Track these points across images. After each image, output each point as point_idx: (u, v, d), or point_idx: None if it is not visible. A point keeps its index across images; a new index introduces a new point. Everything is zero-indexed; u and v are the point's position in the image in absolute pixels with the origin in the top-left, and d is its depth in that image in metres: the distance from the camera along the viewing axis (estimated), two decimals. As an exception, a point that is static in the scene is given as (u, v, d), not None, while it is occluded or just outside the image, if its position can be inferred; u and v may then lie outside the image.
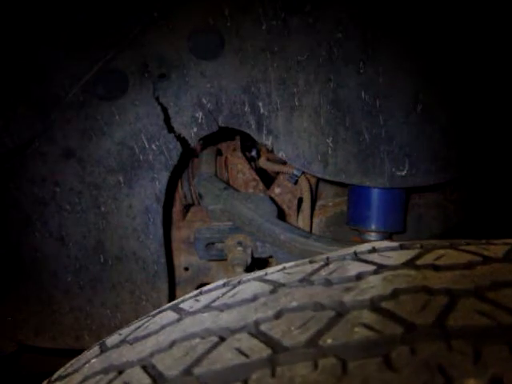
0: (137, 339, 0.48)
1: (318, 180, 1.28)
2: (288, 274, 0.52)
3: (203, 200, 1.12)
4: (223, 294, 0.51)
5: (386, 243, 0.56)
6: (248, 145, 1.36)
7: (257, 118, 1.03)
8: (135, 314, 1.12)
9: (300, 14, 0.97)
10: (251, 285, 0.51)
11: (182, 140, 1.05)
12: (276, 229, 1.07)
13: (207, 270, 1.28)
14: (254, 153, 1.37)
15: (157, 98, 1.01)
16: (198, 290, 0.57)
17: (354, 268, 0.49)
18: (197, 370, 0.39)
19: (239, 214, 1.08)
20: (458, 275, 0.45)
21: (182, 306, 0.53)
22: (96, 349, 0.52)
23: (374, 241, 1.19)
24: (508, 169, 1.17)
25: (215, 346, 0.41)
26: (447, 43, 0.99)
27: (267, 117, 1.03)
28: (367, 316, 0.40)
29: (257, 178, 1.24)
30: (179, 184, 1.23)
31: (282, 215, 1.22)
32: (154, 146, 1.04)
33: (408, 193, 1.24)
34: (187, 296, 0.57)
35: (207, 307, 0.49)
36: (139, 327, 0.52)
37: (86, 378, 0.46)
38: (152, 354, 0.44)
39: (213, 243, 1.16)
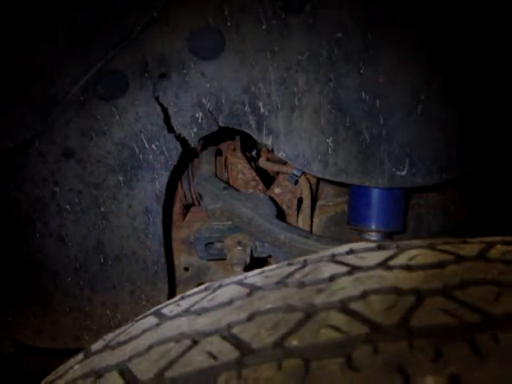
0: (118, 344, 0.49)
1: (318, 180, 1.28)
2: (265, 277, 0.52)
3: (203, 200, 1.12)
4: (203, 298, 0.52)
5: (364, 244, 0.56)
6: (248, 145, 1.36)
7: (257, 117, 1.03)
8: (135, 314, 1.12)
9: (300, 13, 0.97)
10: (230, 289, 0.52)
11: (181, 140, 1.05)
12: (276, 229, 1.07)
13: (207, 269, 1.28)
14: (254, 153, 1.37)
15: (157, 98, 1.01)
16: (181, 295, 0.57)
17: (329, 270, 0.50)
18: (168, 374, 0.40)
19: (239, 213, 1.08)
20: (429, 275, 0.45)
21: (163, 310, 0.54)
22: (81, 355, 0.53)
23: (375, 241, 1.19)
24: (508, 169, 1.17)
25: (188, 349, 0.42)
26: (447, 43, 0.99)
27: (267, 117, 1.03)
28: (335, 317, 0.41)
29: (257, 178, 1.24)
30: (179, 184, 1.23)
31: (281, 215, 1.22)
32: (153, 146, 1.04)
33: (408, 193, 1.24)
34: (170, 301, 0.57)
35: (186, 311, 0.50)
36: (122, 332, 0.53)
37: (67, 383, 0.47)
38: (130, 359, 0.45)
39: (212, 243, 1.16)
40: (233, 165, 1.24)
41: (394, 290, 0.43)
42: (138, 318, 0.56)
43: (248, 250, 1.12)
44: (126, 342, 0.49)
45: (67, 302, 1.12)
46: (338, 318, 0.40)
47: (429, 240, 0.55)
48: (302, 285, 0.48)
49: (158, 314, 0.53)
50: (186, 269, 1.27)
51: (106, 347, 0.50)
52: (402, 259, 0.49)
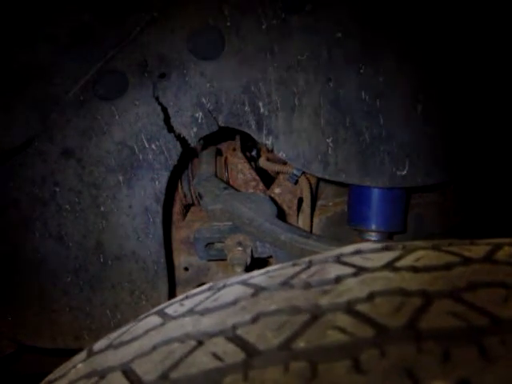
0: (122, 344, 0.49)
1: (319, 180, 1.28)
2: (270, 277, 0.52)
3: (203, 200, 1.12)
4: (207, 298, 0.52)
5: (370, 245, 0.56)
6: (248, 145, 1.36)
7: (257, 117, 1.03)
8: (135, 314, 1.12)
9: (300, 13, 0.97)
10: (234, 289, 0.52)
11: (181, 140, 1.05)
12: (276, 229, 1.07)
13: (207, 270, 1.28)
14: (254, 153, 1.37)
15: (157, 98, 1.01)
16: (185, 294, 0.57)
17: (334, 271, 0.49)
18: (173, 375, 0.40)
19: (239, 214, 1.08)
20: (436, 276, 0.45)
21: (166, 310, 0.53)
22: (83, 353, 0.52)
23: (375, 241, 1.19)
24: (508, 169, 1.17)
25: (193, 350, 0.42)
26: (448, 43, 0.99)
27: (267, 116, 1.03)
28: (341, 319, 0.40)
29: (257, 177, 1.24)
30: (179, 184, 1.23)
31: (282, 215, 1.22)
32: (153, 146, 1.04)
33: (408, 193, 1.24)
34: (173, 300, 0.57)
35: (190, 311, 0.50)
36: (125, 332, 0.52)
37: (70, 383, 0.47)
38: (133, 359, 0.44)
39: (212, 243, 1.16)
40: (233, 165, 1.24)
41: (400, 292, 0.43)
42: (141, 318, 0.55)
43: (248, 251, 1.12)
44: (129, 342, 0.48)
45: (67, 302, 1.12)
46: (344, 320, 0.40)
47: (435, 241, 0.55)
48: (307, 286, 0.47)
49: (161, 313, 0.53)
50: (186, 269, 1.27)
51: (109, 347, 0.50)
52: (408, 260, 0.49)
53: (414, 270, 0.47)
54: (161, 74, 1.00)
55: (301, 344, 0.38)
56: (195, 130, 1.04)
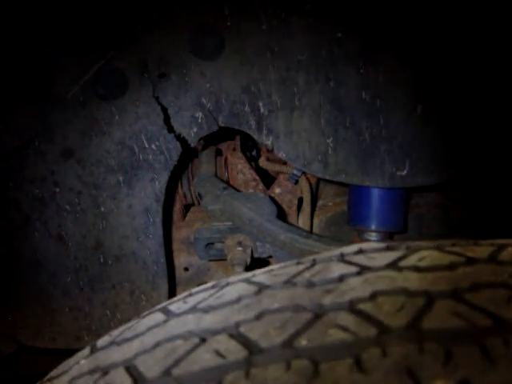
0: (124, 340, 0.49)
1: (319, 180, 1.28)
2: (274, 275, 0.52)
3: (203, 200, 1.12)
4: (210, 296, 0.52)
5: (373, 244, 0.56)
6: (248, 145, 1.36)
7: (257, 117, 1.03)
8: (135, 314, 1.12)
9: (300, 13, 0.97)
10: (237, 286, 0.52)
11: (181, 140, 1.04)
12: (276, 229, 1.07)
13: (207, 270, 1.28)
14: (254, 153, 1.37)
15: (157, 98, 1.01)
16: (188, 292, 0.57)
17: (338, 269, 0.49)
18: (175, 371, 0.40)
19: (239, 214, 1.08)
20: (439, 276, 0.45)
21: (170, 307, 0.53)
22: (87, 350, 0.52)
23: (375, 241, 1.19)
24: (508, 169, 1.17)
25: (195, 347, 0.42)
26: (448, 43, 0.99)
27: (267, 116, 1.03)
28: (343, 318, 0.40)
29: (257, 178, 1.24)
30: (179, 184, 1.23)
31: (282, 215, 1.22)
32: (153, 146, 1.04)
33: (408, 193, 1.24)
34: (177, 298, 0.57)
35: (193, 309, 0.50)
36: (128, 328, 0.52)
37: (73, 379, 0.47)
38: (136, 356, 0.44)
39: (212, 243, 1.16)
40: (233, 165, 1.24)
41: (403, 292, 0.43)
42: (144, 314, 0.55)
43: (248, 251, 1.12)
44: (132, 339, 0.48)
45: (67, 302, 1.12)
46: (346, 319, 0.40)
47: (438, 241, 0.54)
48: (310, 284, 0.47)
49: (164, 310, 0.53)
50: (186, 269, 1.27)
51: (112, 343, 0.50)
52: (412, 260, 0.49)
53: (418, 269, 0.47)
54: (161, 74, 1.00)
55: (303, 342, 0.38)
56: (195, 130, 1.04)
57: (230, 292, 0.51)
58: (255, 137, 1.05)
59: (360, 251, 0.54)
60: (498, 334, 0.36)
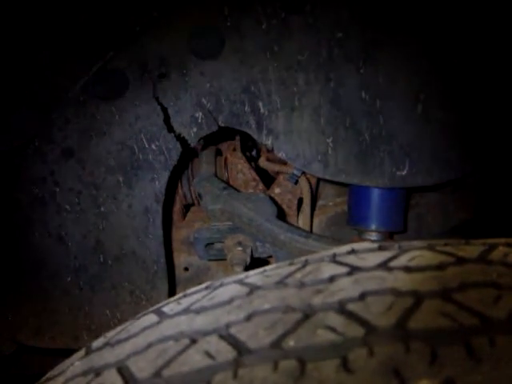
0: (118, 342, 0.49)
1: (319, 180, 1.28)
2: (266, 276, 0.52)
3: (203, 200, 1.12)
4: (203, 297, 0.52)
5: (366, 244, 0.56)
6: (248, 145, 1.36)
7: (257, 117, 1.03)
8: (135, 314, 1.12)
9: (300, 13, 0.97)
10: (230, 287, 0.52)
11: (181, 140, 1.04)
12: (276, 229, 1.07)
13: (207, 270, 1.28)
14: (254, 153, 1.37)
15: (157, 98, 1.01)
16: (183, 293, 0.57)
17: (329, 270, 0.49)
18: (166, 372, 0.40)
19: (239, 214, 1.08)
20: (429, 276, 0.45)
21: (163, 308, 0.54)
22: (82, 351, 0.53)
23: (375, 241, 1.19)
24: (508, 168, 1.17)
25: (186, 348, 0.42)
26: (448, 42, 0.99)
27: (267, 116, 1.03)
28: (332, 318, 0.41)
29: (257, 178, 1.24)
30: (179, 184, 1.23)
31: (282, 215, 1.22)
32: (153, 146, 1.04)
33: (408, 192, 1.24)
34: (171, 299, 0.57)
35: (186, 310, 0.50)
36: (122, 330, 0.52)
37: (67, 380, 0.47)
38: (129, 357, 0.45)
39: (212, 243, 1.16)
40: (233, 165, 1.24)
41: (392, 292, 0.43)
42: (138, 316, 0.56)
43: (248, 251, 1.12)
44: (125, 340, 0.49)
45: (67, 302, 1.12)
46: (335, 319, 0.40)
47: (430, 241, 0.54)
48: (301, 285, 0.47)
49: (158, 312, 0.53)
50: (186, 269, 1.27)
51: (106, 344, 0.50)
52: (402, 260, 0.49)
53: (408, 269, 0.47)
54: (161, 73, 1.00)
55: (291, 343, 0.39)
56: (195, 129, 1.04)
57: (223, 293, 0.51)
58: (255, 137, 1.05)
59: (352, 251, 0.54)
60: (483, 333, 0.37)
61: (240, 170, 1.24)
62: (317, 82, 1.00)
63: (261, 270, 0.56)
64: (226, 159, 1.25)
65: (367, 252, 0.53)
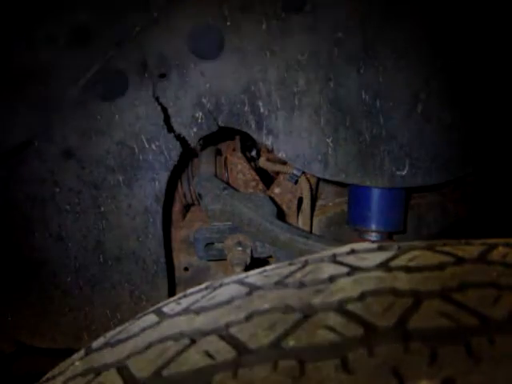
0: (118, 342, 0.49)
1: (318, 180, 1.28)
2: (266, 276, 0.52)
3: (203, 200, 1.12)
4: (203, 297, 0.52)
5: (366, 244, 0.56)
6: (248, 145, 1.36)
7: (257, 117, 1.03)
8: (135, 314, 1.12)
9: (300, 13, 0.97)
10: (230, 288, 0.52)
11: (181, 140, 1.04)
12: (276, 229, 1.07)
13: (207, 270, 1.28)
14: (253, 153, 1.37)
15: (156, 98, 1.01)
16: (183, 293, 0.57)
17: (329, 270, 0.49)
18: (165, 372, 0.40)
19: (239, 214, 1.08)
20: (428, 276, 0.45)
21: (163, 309, 0.54)
22: (82, 351, 0.53)
23: (375, 241, 1.19)
24: (508, 168, 1.17)
25: (186, 348, 0.42)
26: (448, 42, 0.99)
27: (267, 116, 1.03)
28: (332, 318, 0.41)
29: (257, 177, 1.24)
30: (179, 184, 1.23)
31: (281, 215, 1.22)
32: (153, 146, 1.04)
33: (408, 192, 1.24)
34: (171, 299, 0.57)
35: (186, 310, 0.50)
36: (122, 330, 0.53)
37: (67, 380, 0.47)
38: (129, 357, 0.45)
39: (212, 243, 1.16)
40: (233, 165, 1.24)
41: (391, 292, 0.43)
42: (138, 316, 0.56)
43: (248, 251, 1.12)
44: (125, 340, 0.49)
45: (67, 302, 1.12)
46: (334, 319, 0.40)
47: (430, 241, 0.54)
48: (301, 285, 0.48)
49: (158, 312, 0.53)
50: (186, 269, 1.27)
51: (107, 344, 0.50)
52: (402, 260, 0.49)
53: (407, 269, 0.47)
54: (161, 73, 1.00)
55: (291, 343, 0.39)
56: (195, 129, 1.04)
57: (223, 293, 0.51)
58: (255, 137, 1.05)
59: (352, 252, 0.54)
60: (483, 333, 0.37)
61: (240, 170, 1.24)
62: (317, 82, 1.00)
63: (261, 270, 0.57)
64: (225, 159, 1.25)
65: (367, 252, 0.53)
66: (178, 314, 0.50)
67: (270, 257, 1.17)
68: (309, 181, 1.22)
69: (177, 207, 1.26)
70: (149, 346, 0.45)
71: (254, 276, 0.54)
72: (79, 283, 1.11)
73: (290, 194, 1.25)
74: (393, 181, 1.06)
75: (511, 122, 1.04)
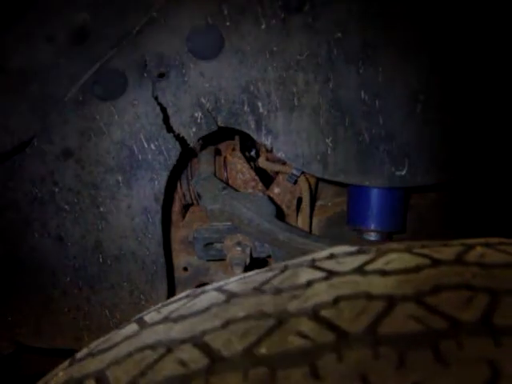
0: (100, 352, 0.49)
1: (318, 180, 1.28)
2: (244, 283, 0.52)
3: (202, 200, 1.12)
4: (183, 305, 0.52)
5: (345, 248, 0.55)
6: (247, 145, 1.35)
7: (256, 117, 1.03)
8: (134, 314, 1.12)
9: (300, 14, 0.96)
10: (209, 295, 0.52)
11: (181, 140, 1.04)
12: (275, 229, 1.07)
13: (206, 270, 1.28)
14: (253, 153, 1.37)
15: (156, 98, 1.01)
16: (161, 303, 0.58)
17: (306, 275, 0.49)
18: (141, 382, 0.40)
19: (238, 213, 1.08)
20: (403, 280, 0.44)
21: (145, 317, 0.54)
22: (66, 362, 0.53)
23: (374, 241, 1.19)
24: (508, 168, 1.17)
25: (162, 357, 0.42)
26: (448, 43, 0.99)
27: (266, 116, 1.03)
28: (304, 324, 0.40)
29: (256, 177, 1.24)
30: (178, 184, 1.23)
31: (281, 215, 1.22)
32: (152, 146, 1.04)
33: (408, 193, 1.23)
34: (152, 308, 0.58)
35: (165, 319, 0.50)
36: (106, 340, 0.53)
37: None
38: (108, 366, 0.45)
39: (212, 243, 1.16)
40: (232, 165, 1.24)
41: (365, 296, 0.42)
42: (121, 326, 0.56)
43: (247, 251, 1.12)
44: (107, 350, 0.49)
45: (66, 302, 1.12)
46: (307, 325, 0.40)
47: (408, 243, 0.54)
48: (278, 291, 0.47)
49: (139, 321, 0.53)
50: (185, 269, 1.27)
51: (89, 354, 0.50)
52: (378, 264, 0.48)
53: (383, 273, 0.46)
54: (160, 73, 1.00)
55: (262, 350, 0.39)
56: (194, 129, 1.04)
57: (202, 301, 0.51)
58: (254, 137, 1.05)
59: (331, 256, 0.54)
60: (452, 336, 0.36)
61: (239, 169, 1.24)
62: (316, 82, 1.00)
63: (240, 276, 0.56)
64: (225, 159, 1.25)
65: (346, 256, 0.53)
66: (158, 322, 0.50)
67: (270, 257, 1.17)
68: (308, 181, 1.22)
69: (176, 207, 1.25)
70: (128, 356, 0.45)
71: (232, 283, 0.54)
72: (78, 283, 1.11)
73: (289, 194, 1.25)
74: (392, 181, 1.06)
75: (510, 122, 1.04)
